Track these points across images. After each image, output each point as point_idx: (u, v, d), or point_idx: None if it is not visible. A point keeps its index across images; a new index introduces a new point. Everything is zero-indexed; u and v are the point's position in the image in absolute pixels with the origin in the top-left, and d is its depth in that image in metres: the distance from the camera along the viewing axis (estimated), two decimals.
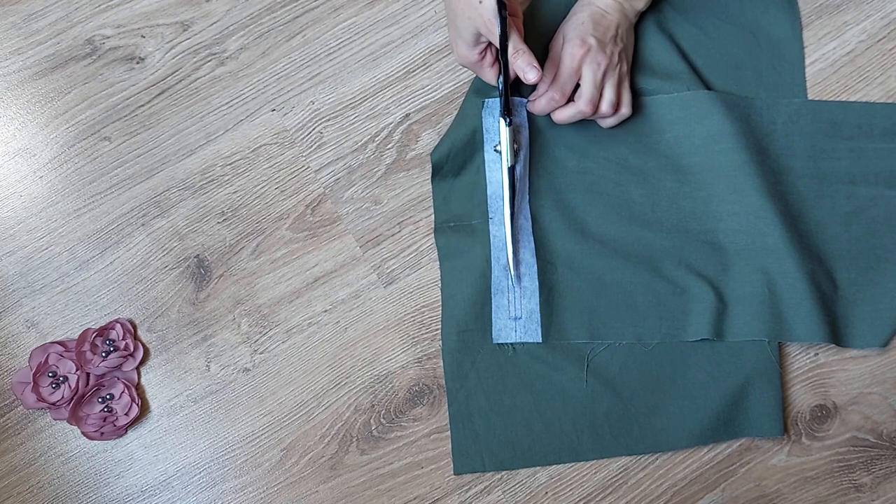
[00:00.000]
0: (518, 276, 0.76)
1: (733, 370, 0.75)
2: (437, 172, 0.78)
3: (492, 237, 0.77)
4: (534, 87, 0.76)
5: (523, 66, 0.70)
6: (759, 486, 0.76)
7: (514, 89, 0.76)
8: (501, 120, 0.73)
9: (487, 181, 0.78)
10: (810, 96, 0.80)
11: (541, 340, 0.75)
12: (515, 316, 0.75)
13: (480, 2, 0.68)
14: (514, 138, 0.75)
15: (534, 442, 0.75)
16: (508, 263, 0.75)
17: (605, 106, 0.74)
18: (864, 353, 0.77)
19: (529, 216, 0.78)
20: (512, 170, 0.74)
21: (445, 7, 0.72)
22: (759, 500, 0.76)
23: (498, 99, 0.75)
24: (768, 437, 0.75)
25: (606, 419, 0.75)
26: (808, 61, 0.81)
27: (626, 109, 0.76)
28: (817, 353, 0.77)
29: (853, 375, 0.77)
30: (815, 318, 0.74)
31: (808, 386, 0.77)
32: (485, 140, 0.78)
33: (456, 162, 0.78)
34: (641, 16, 0.78)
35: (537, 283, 0.76)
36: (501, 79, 0.72)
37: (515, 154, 0.75)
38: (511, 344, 0.76)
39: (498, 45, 0.69)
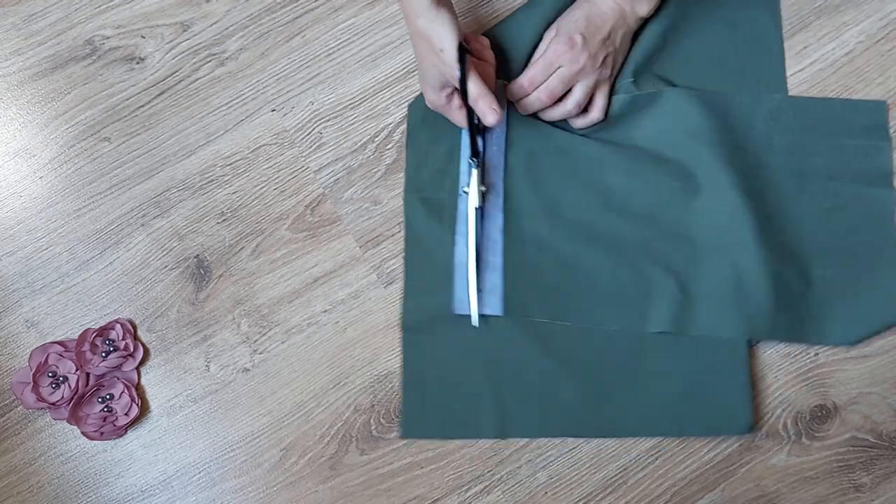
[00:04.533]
0: (477, 318, 0.75)
1: (696, 365, 0.75)
2: (414, 132, 0.78)
3: (458, 212, 0.77)
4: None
5: (484, 108, 0.71)
6: (759, 485, 0.76)
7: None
8: (471, 163, 0.74)
9: (461, 155, 0.78)
10: (810, 96, 0.80)
11: (501, 314, 0.75)
12: (478, 288, 0.75)
13: (442, 49, 0.69)
14: (483, 179, 0.75)
15: (483, 415, 0.75)
16: (469, 295, 0.74)
17: (571, 104, 0.76)
18: (863, 353, 0.77)
19: (502, 192, 0.77)
20: (479, 211, 0.74)
21: (414, 53, 0.73)
22: (758, 499, 0.76)
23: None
24: (737, 434, 0.75)
25: (557, 400, 0.75)
26: (807, 62, 0.81)
27: (596, 114, 0.77)
28: (817, 353, 0.77)
29: (853, 375, 0.77)
30: (780, 317, 0.74)
31: (808, 386, 0.77)
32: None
33: (435, 125, 0.78)
34: None
35: (501, 259, 0.76)
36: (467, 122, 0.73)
37: (483, 195, 0.75)
38: (471, 315, 0.75)
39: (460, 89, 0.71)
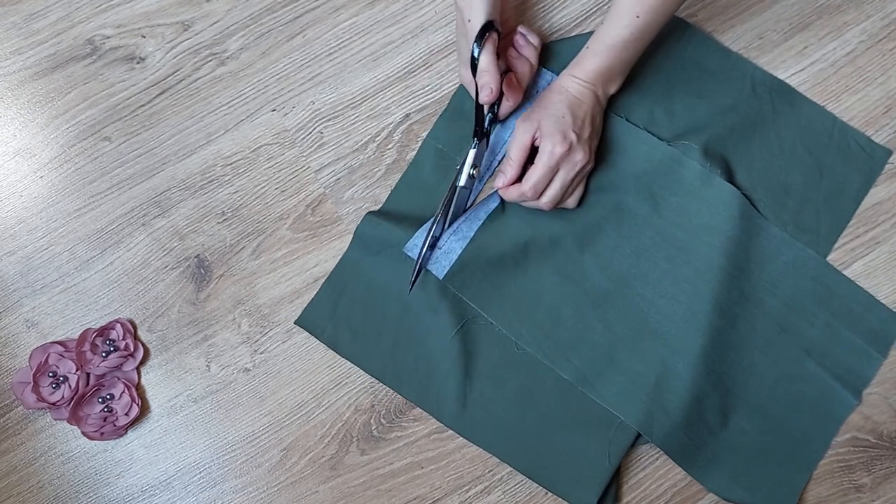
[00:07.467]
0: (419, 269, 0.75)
1: (576, 421, 0.75)
2: (463, 92, 0.79)
3: (461, 175, 0.76)
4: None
5: (482, 83, 0.71)
6: None
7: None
8: (473, 142, 0.74)
9: (494, 138, 0.78)
10: (809, 97, 0.80)
11: (441, 278, 0.76)
12: (436, 243, 0.76)
13: (469, 20, 0.70)
14: (476, 163, 0.75)
15: (374, 350, 0.76)
16: (419, 254, 0.74)
17: (571, 201, 0.75)
18: None
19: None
20: (460, 189, 0.74)
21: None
22: None
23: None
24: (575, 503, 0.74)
25: (442, 379, 0.75)
26: (808, 61, 0.81)
27: (572, 203, 0.75)
28: None
29: None
30: (678, 433, 0.73)
31: None
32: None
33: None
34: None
35: (473, 233, 0.76)
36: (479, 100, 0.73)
37: (472, 178, 0.75)
38: (416, 261, 0.75)
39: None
